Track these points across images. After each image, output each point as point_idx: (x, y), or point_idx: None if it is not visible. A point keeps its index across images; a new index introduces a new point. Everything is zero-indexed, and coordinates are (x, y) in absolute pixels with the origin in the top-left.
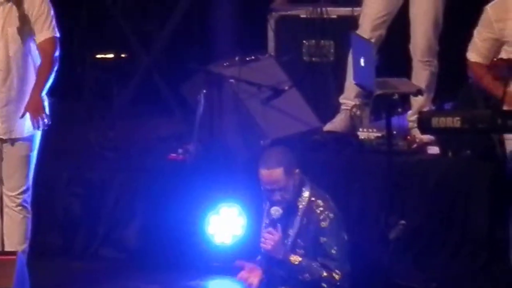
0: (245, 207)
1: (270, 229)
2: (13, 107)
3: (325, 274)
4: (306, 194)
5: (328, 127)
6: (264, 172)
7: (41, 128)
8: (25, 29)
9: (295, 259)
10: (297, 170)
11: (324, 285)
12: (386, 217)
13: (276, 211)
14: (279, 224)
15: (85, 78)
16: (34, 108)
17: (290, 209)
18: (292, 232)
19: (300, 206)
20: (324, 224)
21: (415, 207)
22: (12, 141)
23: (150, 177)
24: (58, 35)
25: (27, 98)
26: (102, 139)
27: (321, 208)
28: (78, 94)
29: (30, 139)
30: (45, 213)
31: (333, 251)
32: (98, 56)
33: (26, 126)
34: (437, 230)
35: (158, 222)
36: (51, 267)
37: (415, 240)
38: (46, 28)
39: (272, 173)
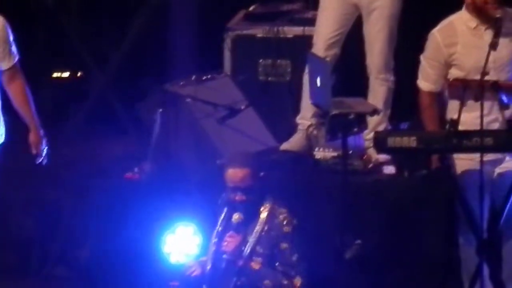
0: (200, 226)
1: (231, 232)
2: None
3: (285, 282)
4: (268, 202)
5: (284, 146)
6: (230, 171)
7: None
8: None
9: (256, 265)
10: (262, 174)
11: None
12: (342, 236)
13: (236, 217)
14: (239, 232)
15: (40, 97)
16: (38, 141)
17: (250, 216)
18: (251, 239)
19: (262, 214)
20: (287, 229)
21: (370, 227)
22: None
23: (105, 196)
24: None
25: None
26: (57, 158)
27: (285, 215)
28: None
29: None
30: (0, 232)
31: (294, 258)
32: (54, 75)
33: None
34: (392, 249)
35: (114, 241)
36: (5, 286)
37: (371, 260)
38: (9, 55)
39: (239, 173)
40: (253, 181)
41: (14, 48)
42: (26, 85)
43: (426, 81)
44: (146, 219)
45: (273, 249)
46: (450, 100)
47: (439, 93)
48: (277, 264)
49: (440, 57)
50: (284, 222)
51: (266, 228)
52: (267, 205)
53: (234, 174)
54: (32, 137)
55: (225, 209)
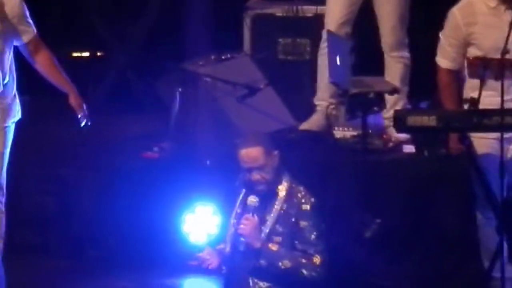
0: (220, 206)
1: (247, 215)
2: None
3: (304, 261)
4: (286, 181)
5: (303, 126)
6: (243, 152)
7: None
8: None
9: (274, 246)
10: (276, 152)
11: (304, 271)
12: (361, 215)
13: (252, 200)
14: (255, 214)
15: None
16: (80, 102)
17: (268, 196)
18: (270, 218)
19: (280, 193)
20: (305, 207)
21: (390, 206)
22: None
23: (124, 175)
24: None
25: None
26: (77, 136)
27: (303, 193)
28: (53, 91)
29: (2, 136)
30: (19, 211)
31: (313, 237)
32: (74, 54)
33: None
34: (411, 228)
35: (133, 220)
36: (26, 265)
37: (390, 239)
38: (29, 27)
39: (251, 152)
40: (266, 160)
41: (31, 21)
42: (51, 53)
43: (444, 59)
44: (165, 199)
45: (292, 227)
46: (469, 79)
47: (458, 71)
48: (296, 242)
49: (459, 36)
50: (303, 200)
51: (284, 206)
52: (285, 184)
53: (247, 154)
54: (73, 100)
55: (243, 190)
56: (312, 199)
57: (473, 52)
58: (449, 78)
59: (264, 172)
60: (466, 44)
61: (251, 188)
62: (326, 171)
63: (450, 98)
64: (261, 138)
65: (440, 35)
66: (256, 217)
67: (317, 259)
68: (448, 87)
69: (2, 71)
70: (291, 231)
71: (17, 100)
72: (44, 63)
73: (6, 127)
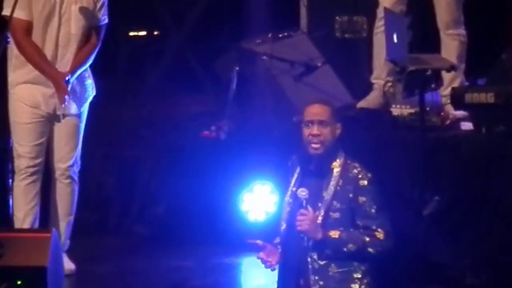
0: (277, 185)
1: (302, 210)
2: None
3: (367, 239)
4: (341, 157)
5: (361, 104)
6: (311, 106)
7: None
8: (88, 9)
9: (334, 233)
10: (339, 124)
11: (370, 249)
12: (420, 193)
13: (302, 193)
14: (308, 205)
15: (118, 56)
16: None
17: (323, 173)
18: (327, 194)
19: (335, 169)
20: (363, 182)
21: (448, 183)
22: (64, 116)
23: (183, 155)
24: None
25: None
26: (136, 117)
27: (359, 169)
28: (111, 71)
29: (79, 113)
30: (79, 190)
31: (373, 210)
32: (131, 33)
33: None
34: (470, 206)
35: (192, 199)
36: (85, 243)
37: (449, 216)
38: (104, 14)
39: (318, 107)
40: (331, 121)
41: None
42: (95, 50)
43: None
44: (224, 178)
45: (350, 203)
46: None
47: None
48: (356, 219)
49: None
50: (360, 176)
51: (341, 182)
52: (339, 160)
53: (314, 107)
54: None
55: (297, 169)
56: (369, 174)
57: None
58: None
59: (325, 130)
60: None
61: (308, 160)
62: (384, 149)
63: None
64: (331, 103)
65: None
66: (310, 209)
67: (380, 234)
68: None
69: None
70: (350, 207)
71: (92, 79)
72: (89, 47)
73: (84, 102)
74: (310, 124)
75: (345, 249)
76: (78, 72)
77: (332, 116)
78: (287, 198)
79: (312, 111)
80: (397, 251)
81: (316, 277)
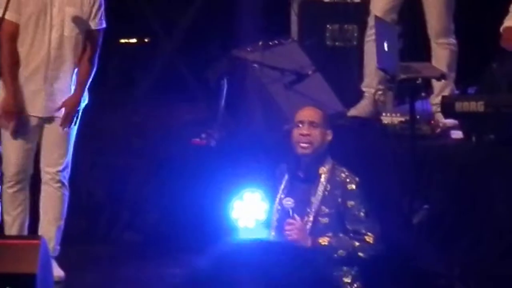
0: (268, 192)
1: (288, 220)
2: (60, 85)
3: (357, 244)
4: (329, 163)
5: (352, 112)
6: (304, 109)
7: (67, 128)
8: (82, 12)
9: (324, 240)
10: (329, 131)
11: (361, 254)
12: (410, 201)
13: (288, 202)
14: (294, 214)
15: (108, 63)
16: (72, 106)
17: (311, 178)
18: (315, 199)
19: (322, 174)
20: (351, 186)
21: (438, 192)
22: (54, 118)
23: (173, 162)
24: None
25: (71, 80)
26: (126, 124)
27: (346, 173)
28: (101, 79)
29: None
30: (69, 197)
31: (362, 214)
32: (122, 41)
33: None
34: (460, 215)
35: (182, 206)
36: (74, 251)
37: (439, 225)
38: (100, 18)
39: (311, 110)
40: (321, 124)
41: (103, 14)
42: (96, 57)
43: (509, 20)
44: (213, 185)
45: (339, 208)
46: None
47: None
48: (346, 223)
49: None
50: (347, 180)
51: (328, 187)
52: (327, 166)
53: (305, 110)
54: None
55: (285, 176)
56: (357, 178)
57: None
58: None
59: (315, 131)
60: None
61: (294, 172)
62: (374, 157)
63: None
64: (323, 110)
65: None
66: (297, 218)
67: (370, 238)
68: None
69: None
70: (338, 212)
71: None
72: (89, 57)
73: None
74: (300, 125)
75: (335, 255)
76: (84, 88)
77: (323, 120)
78: (276, 205)
79: (304, 113)
80: (386, 259)
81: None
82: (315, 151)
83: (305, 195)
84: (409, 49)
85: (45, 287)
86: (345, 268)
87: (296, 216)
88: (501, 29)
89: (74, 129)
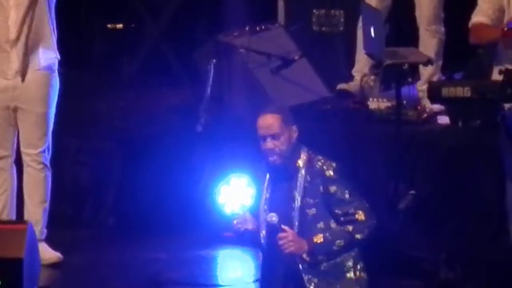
0: (254, 178)
1: (280, 235)
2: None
3: (350, 228)
4: (304, 153)
5: (341, 86)
6: (261, 118)
7: None
8: None
9: (318, 238)
10: (295, 127)
11: (358, 236)
12: (395, 187)
13: (272, 218)
14: (281, 225)
15: (94, 48)
16: None
17: (289, 173)
18: (297, 193)
19: (300, 165)
20: (329, 173)
21: (424, 177)
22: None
23: (159, 147)
24: None
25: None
26: (111, 109)
27: (322, 161)
28: (87, 64)
29: (44, 98)
30: (54, 182)
31: (347, 195)
32: (108, 26)
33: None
34: (446, 200)
35: (168, 191)
36: (60, 236)
37: (424, 210)
38: None
39: (268, 118)
40: (282, 130)
41: None
42: None
43: (476, 15)
44: (200, 170)
45: (323, 196)
46: (505, 50)
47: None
48: (333, 208)
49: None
50: (324, 167)
51: (308, 178)
52: (303, 156)
53: (264, 119)
54: None
55: (267, 175)
56: (333, 164)
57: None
58: (484, 28)
59: (279, 142)
60: (502, 11)
61: (275, 172)
62: (360, 142)
63: (489, 29)
64: (281, 108)
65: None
66: (287, 228)
67: (360, 215)
68: (485, 30)
69: None
70: (323, 200)
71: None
72: None
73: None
74: (263, 139)
75: (335, 247)
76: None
77: (283, 124)
78: (262, 205)
79: (263, 124)
80: (372, 245)
81: (309, 276)
82: (285, 156)
83: (288, 191)
84: (396, 35)
85: (32, 271)
86: (345, 254)
87: (284, 227)
88: (470, 24)
89: (51, 110)
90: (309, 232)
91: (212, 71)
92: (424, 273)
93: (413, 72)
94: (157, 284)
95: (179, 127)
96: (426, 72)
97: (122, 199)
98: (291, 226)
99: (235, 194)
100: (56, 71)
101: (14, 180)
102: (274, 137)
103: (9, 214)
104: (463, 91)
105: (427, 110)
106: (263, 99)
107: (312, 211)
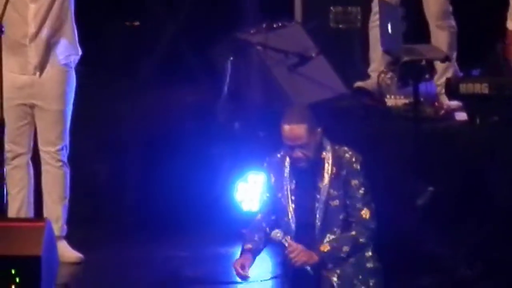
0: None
1: (288, 249)
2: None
3: (354, 233)
4: (327, 145)
5: (358, 84)
6: (287, 128)
7: None
8: None
9: (325, 247)
10: (319, 129)
11: (361, 240)
12: (414, 183)
13: (277, 234)
14: (287, 238)
15: (112, 46)
16: None
17: (315, 164)
18: (322, 185)
19: (326, 157)
20: (356, 166)
21: (442, 174)
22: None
23: (177, 144)
24: None
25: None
26: (130, 107)
27: (350, 152)
28: (105, 61)
29: (61, 95)
30: (73, 180)
31: (361, 192)
32: (126, 23)
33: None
34: (464, 196)
35: (186, 189)
36: (79, 233)
37: (442, 207)
38: None
39: (295, 129)
40: (310, 138)
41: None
42: None
43: None
44: (218, 167)
45: (344, 187)
46: None
47: None
48: (347, 199)
49: None
50: (353, 159)
51: (334, 170)
52: (328, 148)
53: (291, 131)
54: None
55: (287, 159)
56: (360, 157)
57: None
58: None
59: (306, 150)
60: None
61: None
62: (377, 139)
63: None
64: (306, 115)
65: None
66: (292, 242)
67: (366, 213)
68: None
69: None
70: (344, 191)
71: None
72: None
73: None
74: (290, 149)
75: (342, 254)
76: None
77: (310, 132)
78: (288, 194)
79: (290, 136)
80: (389, 242)
81: (331, 265)
82: (313, 159)
83: (313, 182)
84: (412, 31)
85: (50, 269)
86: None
87: (289, 241)
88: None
89: (68, 108)
90: (332, 223)
91: (229, 68)
92: (442, 270)
93: (431, 69)
94: (176, 282)
95: (196, 124)
96: (441, 66)
97: (141, 197)
98: (313, 217)
99: (253, 191)
100: (73, 68)
101: (31, 178)
102: (302, 147)
103: (27, 212)
104: (481, 88)
105: (445, 106)
106: (280, 96)
107: (335, 202)
